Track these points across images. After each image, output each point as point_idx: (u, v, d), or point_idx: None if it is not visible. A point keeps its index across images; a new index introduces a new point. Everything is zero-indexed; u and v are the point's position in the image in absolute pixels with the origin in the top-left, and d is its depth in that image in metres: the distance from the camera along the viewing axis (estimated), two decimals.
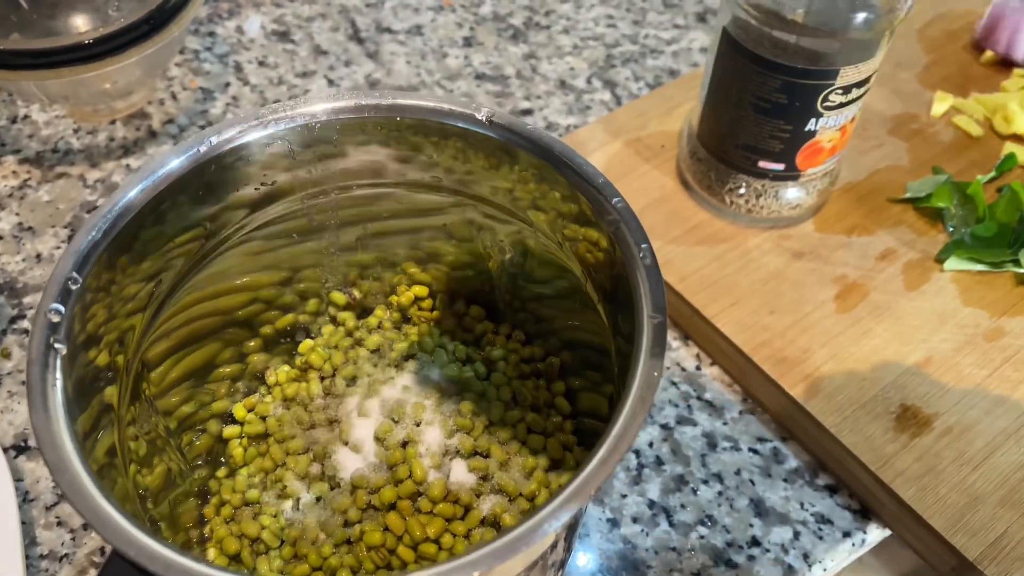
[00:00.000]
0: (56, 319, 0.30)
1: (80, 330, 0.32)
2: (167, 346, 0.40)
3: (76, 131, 0.71)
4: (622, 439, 0.27)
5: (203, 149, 0.36)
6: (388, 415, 0.40)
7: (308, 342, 0.46)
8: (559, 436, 0.42)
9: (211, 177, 0.37)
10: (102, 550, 0.50)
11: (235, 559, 0.40)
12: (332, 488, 0.40)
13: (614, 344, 0.35)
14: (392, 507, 0.38)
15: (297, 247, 0.43)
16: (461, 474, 0.39)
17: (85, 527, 0.50)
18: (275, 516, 0.40)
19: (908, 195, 0.64)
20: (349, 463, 0.39)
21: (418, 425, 0.40)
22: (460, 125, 0.36)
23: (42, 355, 0.29)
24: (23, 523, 0.51)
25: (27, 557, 0.49)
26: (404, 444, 0.39)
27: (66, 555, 0.49)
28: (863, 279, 0.59)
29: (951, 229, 0.61)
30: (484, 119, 0.36)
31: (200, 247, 0.38)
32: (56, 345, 0.30)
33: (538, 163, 0.36)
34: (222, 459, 0.44)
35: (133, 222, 0.34)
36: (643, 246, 0.31)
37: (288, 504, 0.40)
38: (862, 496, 0.53)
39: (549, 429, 0.42)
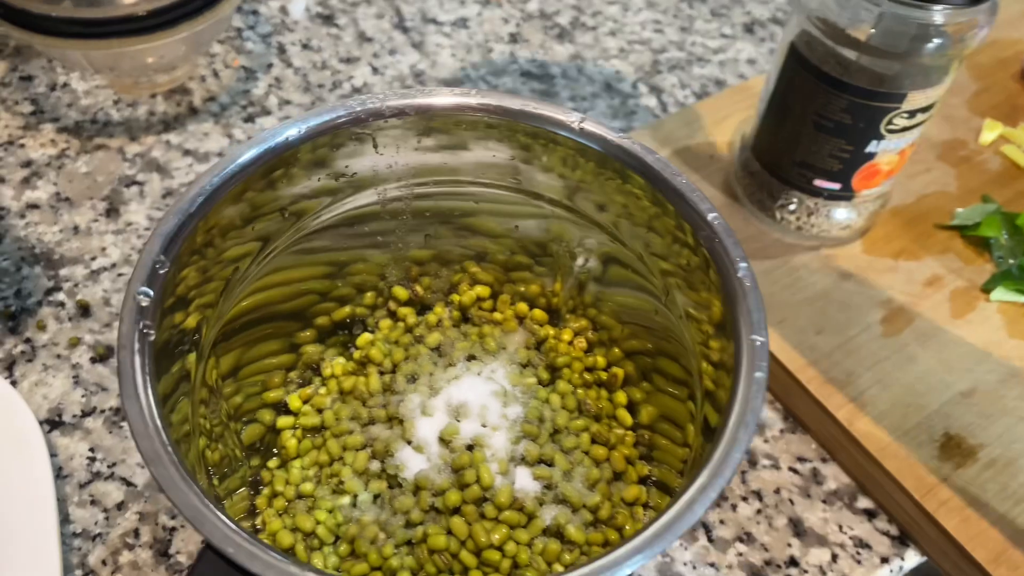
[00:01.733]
0: (145, 303, 0.30)
1: (167, 304, 0.31)
2: (227, 332, 0.40)
3: (116, 103, 0.70)
4: (724, 464, 0.26)
5: (289, 138, 0.35)
6: (453, 416, 0.40)
7: (367, 335, 0.46)
8: (621, 448, 0.41)
9: (294, 165, 0.36)
10: (136, 532, 0.49)
11: (288, 553, 0.40)
12: (391, 487, 0.40)
13: (699, 362, 0.34)
14: (456, 511, 0.37)
15: (366, 240, 0.42)
16: (526, 481, 0.38)
17: (120, 507, 0.49)
18: (331, 512, 0.40)
19: (956, 222, 0.63)
20: (412, 463, 0.39)
21: (484, 427, 0.39)
22: (550, 130, 0.36)
23: (131, 340, 0.29)
24: (58, 500, 0.50)
25: (61, 534, 0.49)
26: (470, 447, 0.39)
27: (99, 535, 0.49)
28: (910, 304, 0.59)
29: (999, 259, 0.61)
30: (576, 126, 0.35)
31: (278, 232, 0.38)
32: (145, 330, 0.29)
33: (627, 173, 0.35)
34: (274, 450, 0.44)
35: (219, 206, 0.33)
36: (741, 265, 0.31)
37: (345, 500, 0.40)
38: (902, 522, 0.53)
39: (612, 441, 0.41)
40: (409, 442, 0.39)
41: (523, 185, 0.40)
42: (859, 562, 0.51)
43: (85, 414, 0.52)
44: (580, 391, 0.42)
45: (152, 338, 0.29)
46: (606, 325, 0.44)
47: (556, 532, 0.38)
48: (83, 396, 0.53)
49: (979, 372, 0.55)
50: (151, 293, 0.30)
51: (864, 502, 0.53)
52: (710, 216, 0.33)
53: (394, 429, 0.41)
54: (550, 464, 0.40)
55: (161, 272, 0.31)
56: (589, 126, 0.35)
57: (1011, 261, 0.60)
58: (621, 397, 0.43)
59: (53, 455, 0.51)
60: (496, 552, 0.37)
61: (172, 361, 0.31)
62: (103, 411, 0.52)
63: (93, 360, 0.55)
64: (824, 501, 0.53)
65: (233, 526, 0.25)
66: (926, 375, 0.55)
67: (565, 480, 0.39)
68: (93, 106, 0.70)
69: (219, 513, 0.25)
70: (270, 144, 0.34)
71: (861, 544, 0.52)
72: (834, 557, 0.51)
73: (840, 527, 0.52)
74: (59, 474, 0.51)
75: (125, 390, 0.27)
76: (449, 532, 0.37)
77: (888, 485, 0.52)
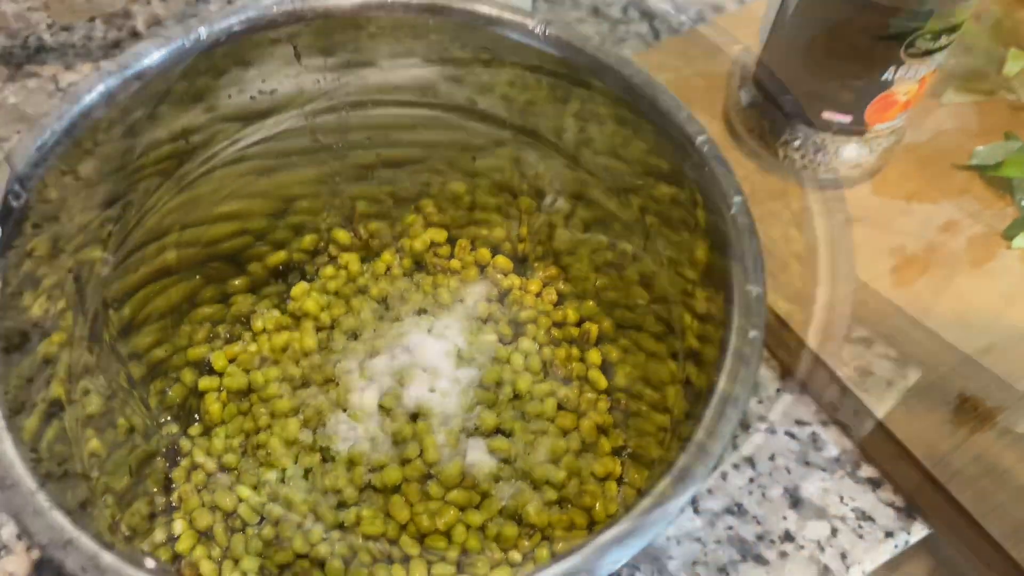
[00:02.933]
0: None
1: (17, 268, 0.25)
2: (135, 280, 0.34)
3: (50, 26, 0.63)
4: (712, 437, 0.21)
5: (189, 44, 0.28)
6: (396, 380, 0.34)
7: (303, 285, 0.40)
8: (592, 415, 0.36)
9: (198, 79, 0.30)
10: None
11: (206, 535, 0.34)
12: (325, 461, 0.34)
13: (682, 315, 0.29)
14: (396, 490, 0.32)
15: (295, 172, 0.36)
16: (479, 455, 0.33)
17: None
18: (255, 488, 0.34)
19: (975, 162, 0.58)
20: (347, 433, 0.33)
21: (431, 393, 0.34)
22: (511, 36, 0.29)
23: None
24: None
25: None
26: (414, 416, 0.33)
27: None
28: (923, 252, 0.53)
29: (1022, 203, 0.56)
30: (539, 31, 0.29)
31: (178, 164, 0.32)
32: None
33: (600, 89, 0.29)
34: (196, 415, 0.38)
35: (98, 127, 0.27)
36: (736, 199, 0.25)
37: (272, 475, 0.34)
38: (908, 493, 0.48)
39: (582, 407, 0.36)
40: (344, 409, 0.34)
41: (479, 106, 0.34)
42: (861, 536, 0.47)
43: None
44: (547, 350, 0.37)
45: None
46: (579, 275, 0.38)
47: (514, 514, 0.33)
48: None
49: (999, 328, 0.50)
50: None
51: (868, 470, 0.48)
52: (699, 139, 0.27)
53: (329, 394, 0.35)
54: (508, 435, 0.34)
55: (15, 204, 0.25)
56: (555, 31, 0.29)
57: None
58: (594, 356, 0.37)
59: None
60: (442, 538, 0.31)
61: (27, 337, 0.25)
62: None
63: None
64: (824, 469, 0.48)
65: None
66: (940, 331, 0.50)
67: (526, 453, 0.33)
68: (24, 30, 0.63)
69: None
70: (164, 51, 0.28)
71: (863, 517, 0.47)
72: (834, 531, 0.46)
73: (841, 498, 0.47)
74: None
75: None
76: (387, 515, 0.32)
77: (895, 452, 0.47)
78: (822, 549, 0.46)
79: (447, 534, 0.31)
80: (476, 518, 0.32)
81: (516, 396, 0.35)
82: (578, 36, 0.29)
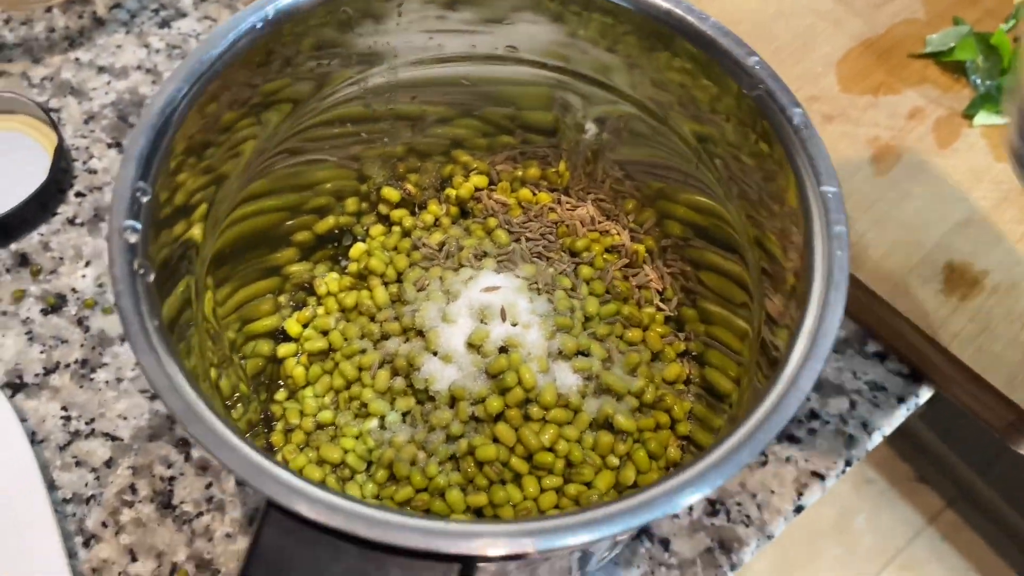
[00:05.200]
0: (134, 239, 0.25)
1: (156, 236, 0.26)
2: (217, 255, 0.35)
3: (7, 22, 0.62)
4: (820, 338, 0.24)
5: (259, 24, 0.30)
6: (478, 319, 0.37)
7: (360, 245, 0.42)
8: (654, 328, 0.39)
9: (267, 57, 0.31)
10: (132, 488, 0.45)
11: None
12: (420, 403, 0.37)
13: (745, 230, 0.32)
14: (498, 417, 0.35)
15: (347, 139, 0.37)
16: (566, 376, 0.36)
17: (109, 464, 0.45)
18: (358, 437, 0.37)
19: (929, 49, 0.61)
20: (442, 374, 0.36)
21: (514, 327, 0.36)
22: None
23: (130, 285, 0.24)
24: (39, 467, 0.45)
25: (51, 503, 0.45)
26: (503, 349, 0.36)
27: (92, 496, 0.45)
28: (896, 139, 0.57)
29: (976, 83, 0.59)
30: None
31: (264, 134, 0.33)
32: (141, 270, 0.25)
33: (639, 17, 0.31)
34: (279, 382, 0.40)
35: (195, 113, 0.28)
36: (796, 111, 0.28)
37: (372, 423, 0.37)
38: (913, 360, 0.52)
39: (644, 321, 0.39)
40: (435, 353, 0.36)
41: (519, 52, 0.36)
42: (877, 405, 0.51)
43: (48, 371, 0.48)
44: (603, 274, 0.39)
45: (150, 278, 0.25)
46: (629, 194, 0.41)
47: (604, 423, 0.36)
48: (42, 352, 0.48)
49: (972, 200, 0.54)
50: (138, 226, 0.25)
51: (874, 346, 0.53)
52: (751, 60, 0.29)
53: (413, 341, 0.37)
54: (587, 355, 0.37)
55: (144, 200, 0.26)
56: None
57: (989, 82, 0.59)
58: (648, 275, 0.40)
59: (23, 420, 0.47)
60: (548, 454, 0.34)
61: (172, 295, 0.27)
62: (68, 365, 0.48)
63: (44, 312, 0.49)
64: (836, 351, 0.52)
65: (298, 481, 0.22)
66: (922, 210, 0.54)
67: (605, 369, 0.36)
68: None
69: (277, 467, 0.22)
70: (242, 29, 0.29)
71: (876, 387, 0.52)
72: (852, 404, 0.51)
73: (854, 374, 0.52)
74: (34, 439, 0.46)
75: (136, 345, 0.23)
76: (495, 440, 0.35)
77: (899, 325, 0.51)
78: (844, 421, 0.51)
79: (551, 449, 0.34)
80: (573, 432, 0.35)
81: (587, 319, 0.38)
82: None
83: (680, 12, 0.30)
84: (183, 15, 0.63)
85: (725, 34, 0.30)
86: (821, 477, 0.49)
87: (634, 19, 0.31)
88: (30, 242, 0.52)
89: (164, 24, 0.62)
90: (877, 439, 0.51)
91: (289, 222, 0.39)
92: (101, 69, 0.60)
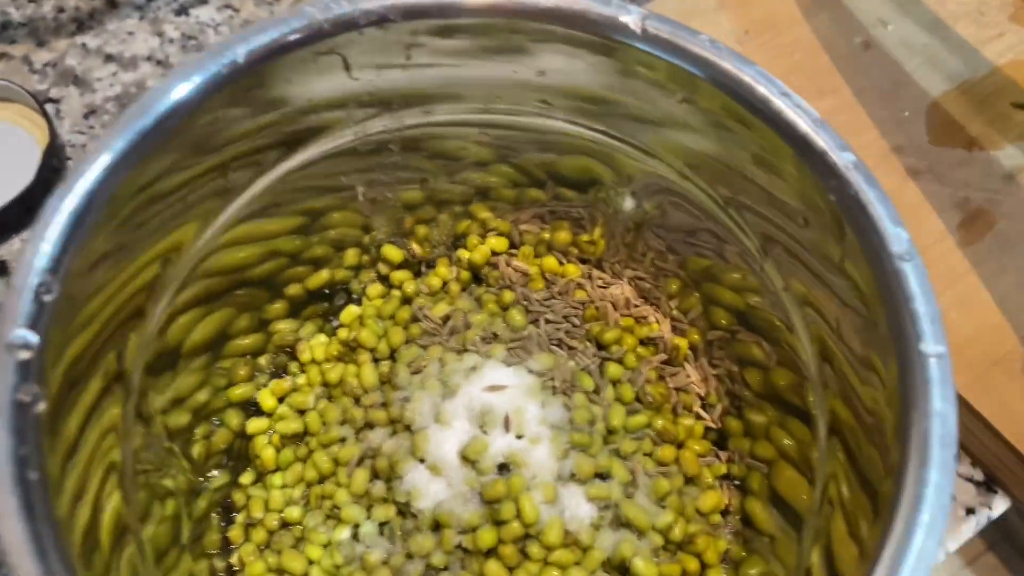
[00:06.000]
0: (25, 355, 0.19)
1: (60, 351, 0.21)
2: (170, 315, 0.30)
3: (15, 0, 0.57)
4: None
5: (226, 67, 0.24)
6: (477, 425, 0.30)
7: (352, 309, 0.36)
8: (691, 444, 0.32)
9: (235, 105, 0.25)
10: None
11: None
12: (402, 514, 0.31)
13: (805, 341, 0.25)
14: (490, 551, 0.29)
15: (343, 190, 0.32)
16: (578, 505, 0.30)
17: None
18: (326, 547, 0.31)
19: None
20: (428, 488, 0.30)
21: (519, 440, 0.30)
22: (597, 36, 0.25)
23: (9, 420, 0.19)
24: None
25: None
26: (502, 467, 0.30)
27: None
28: (989, 204, 0.50)
29: None
30: (636, 28, 0.24)
31: (223, 197, 0.27)
32: (29, 399, 0.19)
33: (712, 92, 0.24)
34: (247, 463, 0.34)
35: (125, 185, 0.22)
36: (899, 233, 0.21)
37: (344, 533, 0.31)
38: (989, 467, 0.45)
39: (680, 436, 0.32)
40: (422, 460, 0.30)
41: (553, 111, 0.29)
42: None
43: None
44: (637, 376, 0.33)
45: (39, 408, 0.19)
46: (664, 284, 0.34)
47: (619, 566, 0.30)
48: None
49: None
50: (34, 341, 0.19)
51: None
52: (843, 159, 0.22)
53: (400, 437, 0.31)
54: (605, 477, 0.31)
55: (48, 300, 0.20)
56: (655, 27, 0.24)
57: None
58: (688, 376, 0.34)
59: None
60: None
61: (78, 418, 0.21)
62: None
63: None
64: None
65: None
66: (1016, 290, 0.47)
67: (626, 496, 0.30)
68: None
69: None
70: (197, 83, 0.23)
71: None
72: None
73: None
74: None
75: (3, 518, 0.17)
76: None
77: (974, 425, 0.44)
78: None
79: None
80: (579, 575, 0.29)
81: (610, 431, 0.31)
82: (682, 29, 0.24)
83: (759, 87, 0.24)
84: (203, 2, 0.57)
85: (814, 121, 0.23)
86: None
87: (714, 98, 0.24)
88: (10, 249, 0.47)
89: (181, 11, 0.57)
90: (940, 556, 0.44)
91: (282, 272, 0.33)
92: (108, 57, 0.55)
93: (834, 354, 0.24)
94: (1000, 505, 0.45)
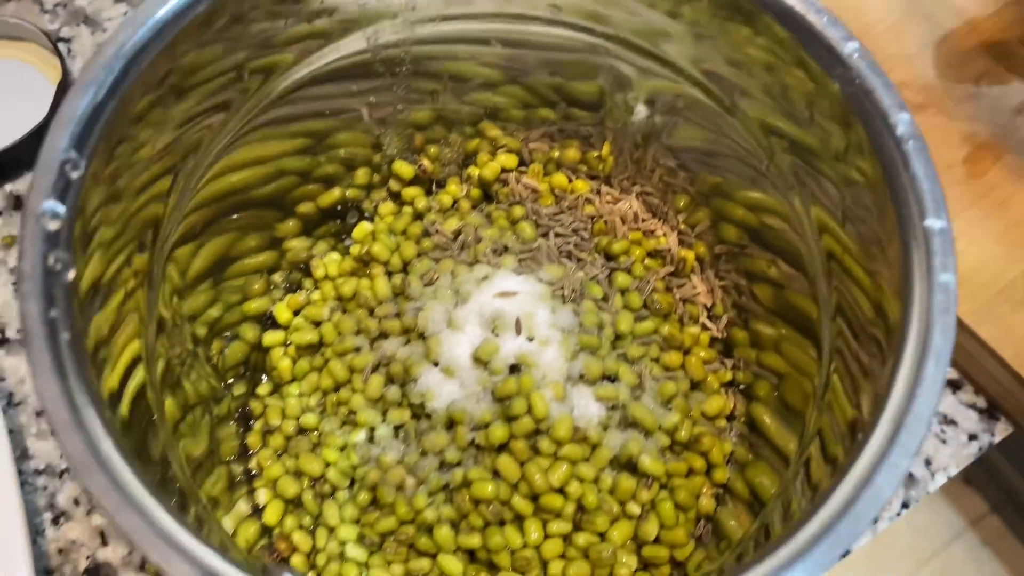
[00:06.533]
0: (54, 225, 0.20)
1: (87, 222, 0.21)
2: (181, 235, 0.30)
3: None
4: (894, 451, 0.18)
5: None
6: (488, 329, 0.31)
7: (365, 225, 0.36)
8: (696, 351, 0.33)
9: (249, 5, 0.25)
10: None
11: (294, 503, 0.32)
12: (416, 416, 0.32)
13: (818, 251, 0.26)
14: (503, 447, 0.30)
15: (355, 101, 0.32)
16: (587, 405, 0.30)
17: None
18: (343, 450, 0.32)
19: None
20: (441, 389, 0.31)
21: (530, 342, 0.31)
22: None
23: (40, 284, 0.19)
24: (10, 432, 0.42)
25: (20, 472, 0.41)
26: (514, 368, 0.31)
27: (67, 470, 0.41)
28: (996, 137, 0.50)
29: None
30: None
31: (239, 99, 0.28)
32: (58, 266, 0.20)
33: None
34: (263, 374, 0.35)
35: (148, 72, 0.23)
36: (901, 116, 0.22)
37: (359, 435, 0.32)
38: (991, 393, 0.46)
39: (686, 343, 0.33)
40: (436, 363, 0.31)
41: (563, 15, 0.30)
42: (944, 441, 0.45)
43: None
44: (644, 284, 0.34)
45: (68, 276, 0.20)
46: (674, 197, 0.35)
47: (627, 463, 0.30)
48: None
49: None
50: (61, 210, 0.20)
51: (948, 373, 0.46)
52: (848, 47, 0.23)
53: (413, 344, 0.32)
54: (613, 379, 0.31)
55: (74, 176, 0.21)
56: None
57: None
58: (696, 286, 0.34)
59: (0, 379, 0.43)
60: (558, 496, 0.29)
61: (106, 297, 0.22)
62: None
63: None
64: None
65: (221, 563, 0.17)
66: (1021, 221, 0.47)
67: (634, 398, 0.31)
68: None
69: (197, 545, 0.17)
70: None
71: (945, 420, 0.45)
72: None
73: None
74: (10, 401, 0.43)
75: (36, 364, 0.18)
76: (496, 475, 0.29)
77: (978, 353, 0.45)
78: None
79: (561, 491, 0.29)
80: (588, 471, 0.29)
81: (617, 337, 0.32)
82: None
83: None
84: None
85: (818, 11, 0.24)
86: (872, 520, 0.43)
87: None
88: (25, 183, 0.48)
89: None
90: (941, 480, 0.45)
91: (293, 190, 0.34)
92: None
93: (840, 249, 0.25)
94: (1001, 431, 0.46)
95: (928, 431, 0.19)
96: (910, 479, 0.45)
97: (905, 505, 0.44)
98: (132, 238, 0.24)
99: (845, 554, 0.43)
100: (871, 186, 0.22)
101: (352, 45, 0.30)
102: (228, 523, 0.31)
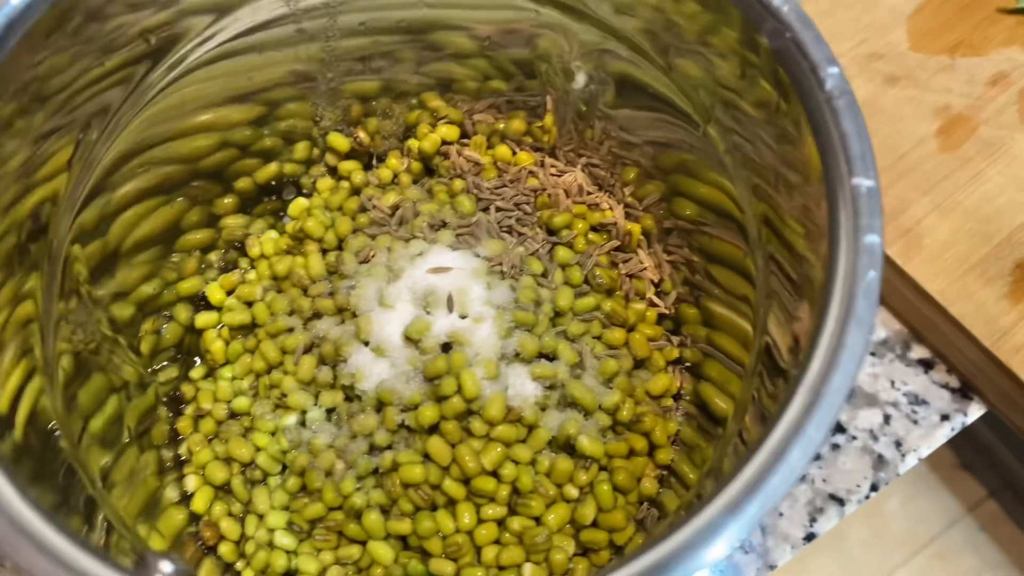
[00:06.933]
0: None
1: None
2: (105, 212, 0.29)
3: None
4: (807, 423, 0.17)
5: None
6: (421, 306, 0.30)
7: (300, 201, 0.35)
8: (642, 328, 0.32)
9: None
10: None
11: (223, 489, 0.31)
12: (349, 399, 0.30)
13: (754, 214, 0.24)
14: (434, 429, 0.28)
15: (279, 69, 0.31)
16: (522, 384, 0.29)
17: None
18: (274, 434, 0.31)
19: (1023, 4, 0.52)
20: (371, 370, 0.29)
21: (462, 320, 0.29)
22: None
23: None
24: None
25: None
26: (445, 347, 0.29)
27: None
28: (970, 110, 0.49)
29: None
30: None
31: (145, 72, 0.26)
32: None
33: None
34: (196, 357, 0.34)
35: (34, 36, 0.22)
36: (830, 71, 0.20)
37: (291, 419, 0.31)
38: (963, 373, 0.45)
39: (630, 320, 0.32)
40: (366, 343, 0.30)
41: None
42: (915, 422, 0.44)
43: None
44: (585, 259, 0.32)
45: None
46: (617, 169, 0.34)
47: (565, 444, 0.29)
48: None
49: None
50: None
51: (919, 351, 0.45)
52: (777, 1, 0.22)
53: (347, 324, 0.31)
54: (552, 358, 0.30)
55: None
56: None
57: None
58: (641, 261, 0.33)
59: None
60: (490, 479, 0.28)
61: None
62: None
63: None
64: (872, 353, 0.45)
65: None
66: (994, 195, 0.46)
67: (573, 377, 0.30)
68: None
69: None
70: None
71: (917, 400, 0.44)
72: (886, 418, 0.44)
73: (892, 383, 0.45)
74: None
75: None
76: (426, 458, 0.28)
77: (950, 331, 0.44)
78: (875, 438, 0.44)
79: (495, 474, 0.28)
80: (524, 453, 0.28)
81: (557, 314, 0.31)
82: None
83: None
84: None
85: None
86: (840, 502, 0.42)
87: None
88: None
89: None
90: (912, 462, 0.44)
91: (232, 163, 0.33)
92: None
93: (774, 215, 0.23)
94: (975, 411, 0.45)
95: (844, 400, 0.18)
96: (879, 460, 0.44)
97: (874, 488, 0.43)
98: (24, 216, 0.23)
99: (809, 538, 0.42)
100: (800, 145, 0.21)
101: (268, 10, 0.28)
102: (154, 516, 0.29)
